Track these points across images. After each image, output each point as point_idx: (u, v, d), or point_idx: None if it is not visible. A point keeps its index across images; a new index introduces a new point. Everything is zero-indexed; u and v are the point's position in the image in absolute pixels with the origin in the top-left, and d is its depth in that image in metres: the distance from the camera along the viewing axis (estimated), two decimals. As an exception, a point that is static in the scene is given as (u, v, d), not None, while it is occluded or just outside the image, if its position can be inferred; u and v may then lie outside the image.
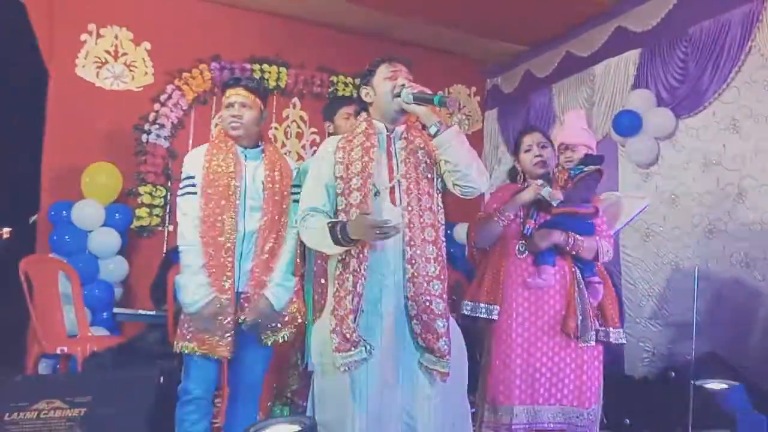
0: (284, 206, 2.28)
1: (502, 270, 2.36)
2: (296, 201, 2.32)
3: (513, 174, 2.59)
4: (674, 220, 3.74)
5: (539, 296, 2.34)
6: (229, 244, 2.16)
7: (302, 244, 2.29)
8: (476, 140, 5.36)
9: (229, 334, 2.15)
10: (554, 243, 2.33)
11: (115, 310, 3.84)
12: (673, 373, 3.08)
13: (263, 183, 2.25)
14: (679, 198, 3.73)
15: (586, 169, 2.45)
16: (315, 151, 4.64)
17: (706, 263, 3.51)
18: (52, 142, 4.07)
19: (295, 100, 4.83)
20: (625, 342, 2.43)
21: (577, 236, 2.34)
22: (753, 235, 3.31)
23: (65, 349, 3.37)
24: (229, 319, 2.14)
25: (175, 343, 2.23)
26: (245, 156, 2.29)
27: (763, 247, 3.26)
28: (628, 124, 3.83)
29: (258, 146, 2.34)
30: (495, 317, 2.33)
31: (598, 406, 2.35)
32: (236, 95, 2.28)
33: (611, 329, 2.37)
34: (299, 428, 1.78)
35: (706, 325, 3.45)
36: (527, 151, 2.45)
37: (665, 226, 3.79)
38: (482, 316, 2.34)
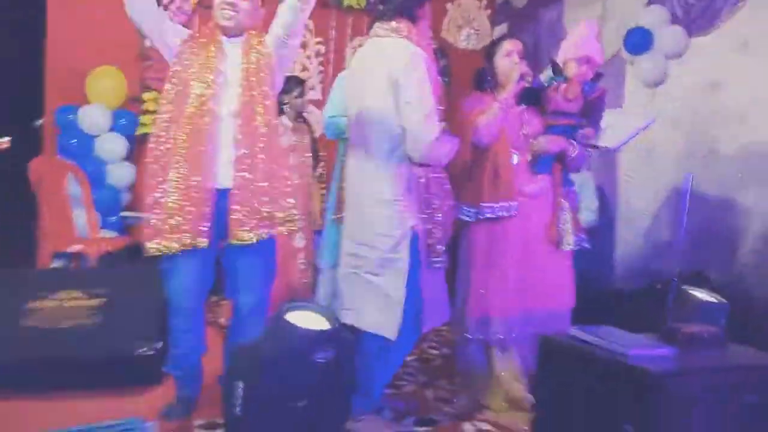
0: (265, 87, 2.09)
1: (508, 170, 2.37)
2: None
3: (480, 78, 2.50)
4: (675, 142, 3.76)
5: (533, 204, 2.41)
6: (194, 124, 2.03)
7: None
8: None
9: (207, 223, 2.02)
10: (561, 149, 2.38)
11: (123, 213, 3.92)
12: (659, 285, 3.21)
13: (240, 66, 2.08)
14: (682, 119, 3.74)
15: (599, 86, 2.45)
16: (321, 62, 4.67)
17: (702, 185, 3.57)
18: (54, 45, 3.99)
19: (300, 8, 4.70)
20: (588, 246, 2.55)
21: (578, 147, 2.40)
22: (750, 156, 3.36)
23: (79, 247, 3.47)
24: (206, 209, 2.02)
25: (146, 244, 2.04)
26: (228, 44, 2.13)
27: (758, 169, 3.31)
28: (639, 41, 3.77)
29: (242, 35, 2.14)
30: (514, 213, 2.35)
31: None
32: None
33: (582, 236, 2.53)
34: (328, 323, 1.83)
35: (695, 246, 3.55)
36: (507, 56, 2.41)
37: (666, 147, 3.82)
38: (504, 214, 2.34)
